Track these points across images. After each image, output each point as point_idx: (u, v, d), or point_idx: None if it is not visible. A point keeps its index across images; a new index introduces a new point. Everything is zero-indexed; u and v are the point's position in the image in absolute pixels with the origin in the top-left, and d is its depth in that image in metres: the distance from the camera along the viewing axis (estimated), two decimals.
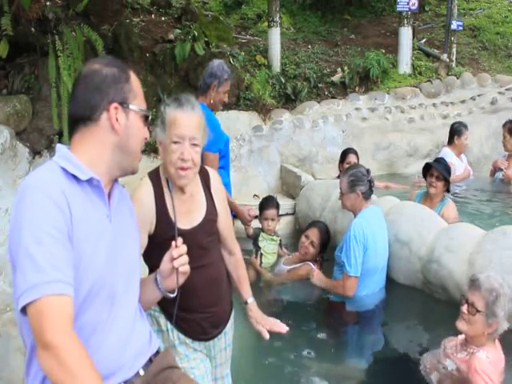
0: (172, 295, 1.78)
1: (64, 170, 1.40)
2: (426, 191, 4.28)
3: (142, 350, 1.57)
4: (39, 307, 1.26)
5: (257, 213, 4.04)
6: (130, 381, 1.50)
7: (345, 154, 5.23)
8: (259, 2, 8.85)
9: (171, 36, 6.25)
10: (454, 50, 7.50)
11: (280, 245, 4.23)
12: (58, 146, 1.48)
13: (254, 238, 4.14)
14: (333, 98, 6.76)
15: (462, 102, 7.00)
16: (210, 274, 2.04)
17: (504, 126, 5.71)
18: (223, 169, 3.62)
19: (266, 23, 7.20)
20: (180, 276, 1.72)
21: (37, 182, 1.35)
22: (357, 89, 6.96)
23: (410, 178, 5.89)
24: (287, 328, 2.21)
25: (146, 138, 1.56)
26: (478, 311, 2.41)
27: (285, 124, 6.12)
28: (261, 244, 4.09)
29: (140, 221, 1.86)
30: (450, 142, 5.74)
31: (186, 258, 1.71)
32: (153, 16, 6.86)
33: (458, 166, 5.72)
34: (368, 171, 3.56)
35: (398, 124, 6.59)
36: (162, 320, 2.09)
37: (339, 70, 7.17)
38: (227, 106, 5.72)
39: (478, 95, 7.04)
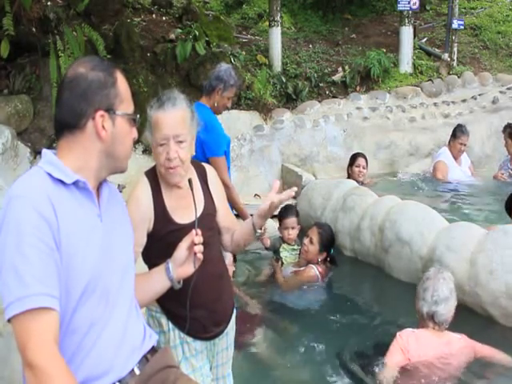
0: (179, 285, 1.85)
1: (49, 175, 1.39)
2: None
3: (136, 348, 1.56)
4: (23, 323, 1.25)
5: (268, 244, 3.95)
6: (125, 380, 1.49)
7: (354, 158, 5.23)
8: (260, 1, 8.85)
9: (172, 36, 6.25)
10: (455, 49, 7.49)
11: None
12: (44, 151, 1.48)
13: (275, 249, 4.05)
14: (334, 97, 6.76)
15: (463, 101, 6.99)
16: (210, 270, 2.03)
17: (504, 131, 5.59)
18: None
19: (267, 23, 7.21)
20: (196, 262, 1.81)
21: (22, 191, 1.34)
22: (358, 88, 6.96)
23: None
24: (295, 189, 1.96)
25: (134, 138, 1.55)
26: None
27: (286, 123, 6.12)
28: (282, 255, 4.02)
29: (139, 219, 1.88)
30: (449, 142, 5.69)
31: (202, 247, 1.80)
32: (154, 16, 6.86)
33: (452, 167, 5.57)
34: None
35: (399, 123, 6.59)
36: (164, 320, 2.09)
37: (340, 69, 7.17)
38: None
39: (479, 94, 7.03)
